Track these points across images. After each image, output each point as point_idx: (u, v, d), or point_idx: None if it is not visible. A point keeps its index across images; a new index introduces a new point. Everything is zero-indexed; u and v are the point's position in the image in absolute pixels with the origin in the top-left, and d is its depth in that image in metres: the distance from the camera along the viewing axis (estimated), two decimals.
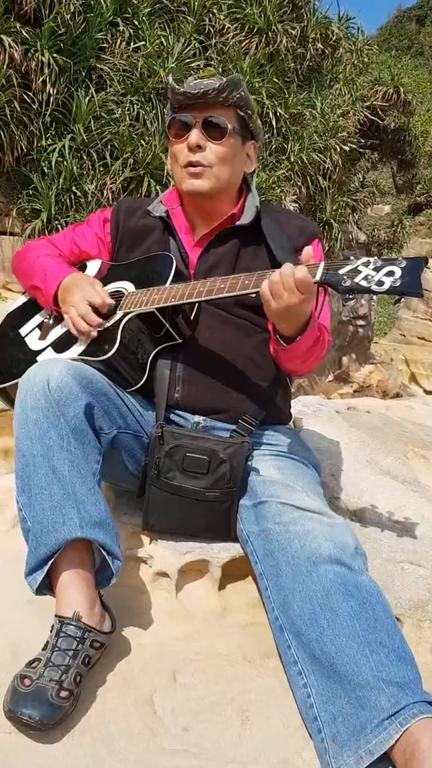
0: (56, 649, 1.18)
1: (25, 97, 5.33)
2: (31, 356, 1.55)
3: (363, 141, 8.85)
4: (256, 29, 6.75)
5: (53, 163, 5.56)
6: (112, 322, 1.49)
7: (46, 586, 1.27)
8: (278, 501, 1.37)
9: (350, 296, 1.24)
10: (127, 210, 1.71)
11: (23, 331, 1.65)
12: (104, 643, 1.26)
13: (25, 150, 5.56)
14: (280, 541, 1.31)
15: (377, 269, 1.19)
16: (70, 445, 1.28)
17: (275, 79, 6.77)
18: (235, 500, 1.45)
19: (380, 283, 1.17)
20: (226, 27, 6.56)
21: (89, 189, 5.64)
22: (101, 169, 5.75)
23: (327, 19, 7.78)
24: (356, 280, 1.20)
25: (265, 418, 1.56)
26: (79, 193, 5.65)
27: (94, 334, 1.48)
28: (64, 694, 1.13)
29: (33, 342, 1.60)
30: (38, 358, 1.54)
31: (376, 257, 1.22)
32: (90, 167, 5.75)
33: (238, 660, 1.37)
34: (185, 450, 1.44)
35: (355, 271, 1.21)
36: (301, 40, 7.28)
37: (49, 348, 1.55)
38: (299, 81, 7.55)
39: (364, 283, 1.19)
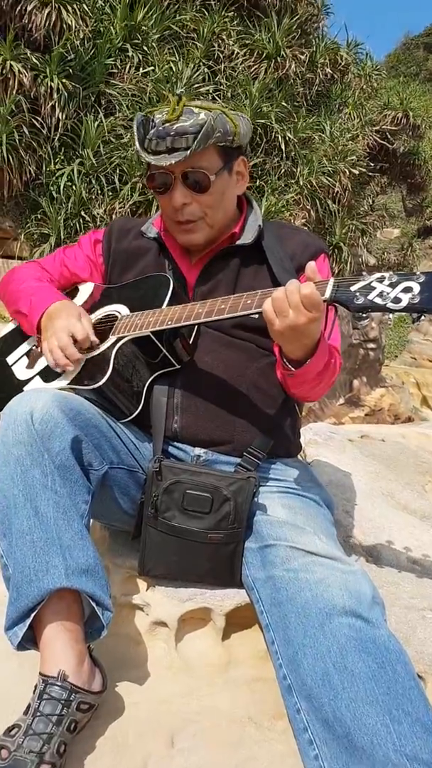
0: (38, 714, 1.06)
1: (35, 122, 5.35)
2: (18, 386, 1.45)
3: (372, 165, 8.83)
4: (265, 54, 6.77)
5: (62, 188, 5.55)
6: (104, 347, 1.38)
7: (30, 640, 1.15)
8: (287, 545, 1.24)
9: (363, 315, 1.12)
10: (119, 230, 1.62)
11: (10, 359, 1.55)
12: (93, 704, 1.13)
13: (33, 175, 5.56)
14: (289, 590, 1.18)
15: (393, 285, 1.08)
16: (55, 483, 1.17)
17: (284, 104, 6.77)
18: (240, 542, 1.33)
19: (397, 300, 1.06)
20: (235, 53, 6.58)
21: (98, 213, 5.62)
22: (110, 193, 5.74)
23: (336, 45, 7.81)
24: (370, 297, 1.09)
25: (272, 449, 1.43)
26: (87, 218, 5.63)
27: (71, 368, 1.38)
28: None
29: (20, 371, 1.50)
30: (25, 388, 1.43)
31: (391, 272, 1.11)
32: (99, 191, 5.74)
33: (243, 721, 1.24)
34: (185, 487, 1.32)
35: (369, 288, 1.10)
36: (310, 65, 7.31)
37: (37, 377, 1.45)
38: (308, 105, 7.56)
39: (378, 301, 1.08)
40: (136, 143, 1.40)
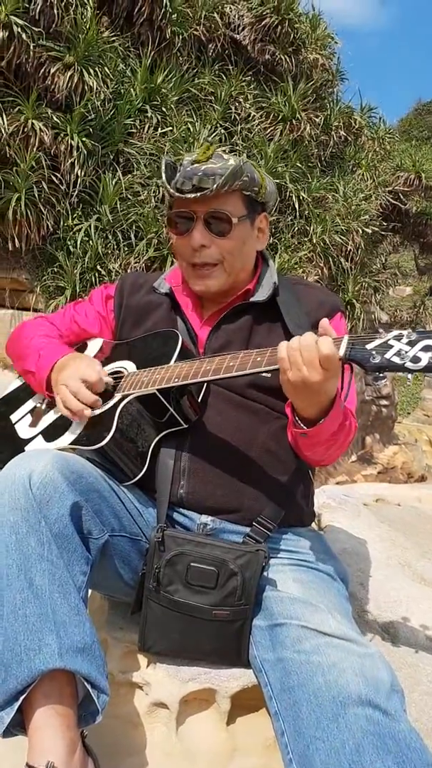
0: None
1: (54, 178, 5.46)
2: (20, 445, 1.39)
3: (385, 224, 8.92)
4: (280, 117, 6.94)
5: (79, 242, 5.62)
6: (108, 405, 1.33)
7: (18, 725, 1.05)
8: (299, 624, 1.15)
9: (380, 375, 1.07)
10: (131, 286, 1.59)
11: (14, 417, 1.49)
12: None
13: (51, 229, 5.65)
14: (300, 675, 1.09)
15: (412, 343, 1.02)
16: (51, 553, 1.09)
17: (299, 164, 6.90)
18: (247, 620, 1.23)
19: (416, 359, 1.01)
20: (252, 115, 6.76)
21: (113, 268, 5.69)
22: (126, 248, 5.81)
23: (350, 109, 8.01)
24: (387, 356, 1.04)
25: (284, 518, 1.36)
26: (103, 272, 5.68)
27: (88, 413, 1.31)
28: None
29: (23, 429, 1.44)
30: (27, 448, 1.37)
31: (409, 330, 1.06)
32: (115, 247, 5.81)
33: None
34: (189, 559, 1.24)
35: (386, 346, 1.05)
36: (324, 127, 7.48)
37: (39, 436, 1.39)
38: (322, 166, 7.70)
39: (396, 360, 1.02)
40: (163, 179, 1.39)
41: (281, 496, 1.36)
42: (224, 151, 1.42)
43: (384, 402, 8.90)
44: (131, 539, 1.30)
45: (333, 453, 1.33)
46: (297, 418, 1.22)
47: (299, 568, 1.33)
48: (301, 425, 1.21)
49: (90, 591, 1.31)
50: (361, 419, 8.36)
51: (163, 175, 1.38)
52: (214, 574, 1.22)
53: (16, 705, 1.02)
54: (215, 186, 1.31)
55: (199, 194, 1.32)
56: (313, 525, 1.59)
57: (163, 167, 1.40)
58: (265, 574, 1.25)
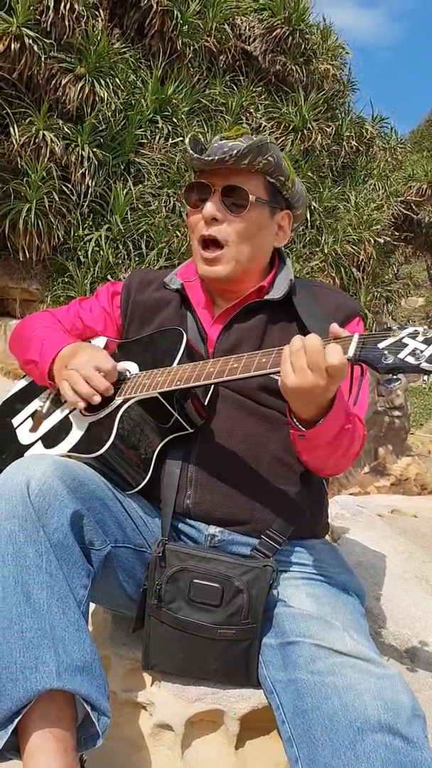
0: None
1: (65, 188, 5.46)
2: (19, 451, 1.33)
3: (397, 234, 8.88)
4: (291, 127, 6.94)
5: (89, 252, 5.62)
6: (109, 410, 1.26)
7: (13, 748, 0.98)
8: (312, 642, 1.08)
9: (394, 377, 0.98)
10: (139, 283, 1.52)
11: (16, 420, 1.44)
12: None
13: (62, 239, 5.65)
14: (314, 697, 1.01)
15: (428, 341, 0.96)
16: (50, 565, 1.03)
17: (310, 174, 6.89)
18: (255, 639, 1.16)
19: None
20: (263, 125, 6.75)
21: (124, 277, 5.66)
22: (136, 258, 5.80)
23: (361, 119, 8.01)
24: (401, 356, 0.96)
25: (297, 530, 1.28)
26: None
27: (97, 399, 1.24)
28: None
29: (23, 434, 1.39)
30: (26, 454, 1.31)
31: (425, 327, 0.99)
32: (125, 256, 5.80)
33: None
34: (192, 575, 1.17)
35: (399, 345, 0.97)
36: (335, 137, 7.47)
37: (39, 442, 1.33)
38: (334, 176, 7.68)
39: (411, 360, 0.95)
40: (186, 143, 1.34)
41: (293, 508, 1.29)
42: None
43: (397, 413, 8.81)
44: (135, 551, 1.24)
45: (337, 461, 1.24)
46: (294, 419, 1.15)
47: (312, 582, 1.26)
48: (299, 426, 1.14)
49: (91, 605, 1.25)
50: (374, 430, 8.26)
51: (188, 145, 1.33)
52: (218, 591, 1.15)
53: (11, 727, 0.95)
54: (238, 153, 1.26)
55: (218, 158, 1.26)
56: (327, 537, 1.52)
57: (188, 138, 1.34)
58: (275, 592, 1.18)
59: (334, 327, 1.07)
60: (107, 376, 1.27)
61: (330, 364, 1.01)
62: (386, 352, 0.98)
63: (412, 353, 0.96)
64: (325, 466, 1.28)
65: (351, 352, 1.01)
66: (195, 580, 1.16)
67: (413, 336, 0.98)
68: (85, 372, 1.26)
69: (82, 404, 1.27)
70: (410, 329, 0.99)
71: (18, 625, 0.99)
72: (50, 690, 0.96)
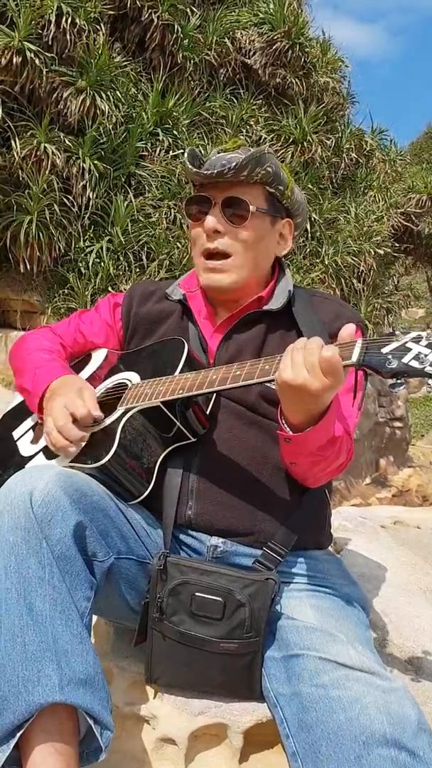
0: None
1: (65, 200, 5.48)
2: (21, 463, 1.33)
3: (397, 245, 8.89)
4: (291, 139, 6.97)
5: (90, 264, 5.63)
6: (111, 420, 1.26)
7: (15, 762, 0.98)
8: (316, 655, 1.07)
9: (398, 381, 0.97)
10: (141, 294, 1.52)
11: (17, 432, 1.43)
12: None
13: (63, 251, 5.66)
14: (319, 711, 1.01)
15: None
16: (53, 577, 1.02)
17: (310, 186, 6.90)
18: (258, 653, 1.15)
19: None
20: (263, 138, 6.78)
21: (124, 289, 5.66)
22: (137, 270, 5.81)
23: (361, 132, 8.04)
24: (405, 360, 0.96)
25: (300, 541, 1.27)
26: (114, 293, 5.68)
27: (73, 450, 1.22)
28: None
29: (25, 446, 1.38)
30: (28, 465, 1.31)
31: (429, 331, 0.99)
32: (126, 268, 5.81)
33: None
34: (193, 588, 1.16)
35: (403, 349, 0.97)
36: (335, 149, 7.50)
37: (41, 453, 1.33)
38: (334, 188, 7.71)
39: (415, 364, 0.95)
40: (184, 158, 1.35)
41: (296, 519, 1.28)
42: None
43: (398, 424, 8.78)
44: (138, 562, 1.23)
45: (317, 474, 1.24)
46: (283, 420, 1.15)
47: (316, 593, 1.25)
48: (287, 429, 1.14)
49: (94, 617, 1.24)
50: (375, 441, 8.24)
51: (186, 160, 1.34)
52: (220, 605, 1.14)
53: (13, 741, 0.95)
54: (236, 166, 1.27)
55: (217, 172, 1.28)
56: (330, 548, 1.51)
57: (186, 152, 1.36)
58: (277, 604, 1.18)
59: (345, 331, 1.07)
60: (82, 420, 1.24)
61: (323, 356, 1.00)
62: (390, 356, 0.97)
63: (416, 357, 0.96)
64: (305, 476, 1.27)
65: (355, 357, 1.01)
66: (197, 594, 1.16)
67: (417, 340, 0.97)
68: (58, 420, 1.24)
69: (64, 453, 1.25)
70: (413, 334, 0.99)
71: (20, 637, 0.98)
72: (53, 703, 0.95)
